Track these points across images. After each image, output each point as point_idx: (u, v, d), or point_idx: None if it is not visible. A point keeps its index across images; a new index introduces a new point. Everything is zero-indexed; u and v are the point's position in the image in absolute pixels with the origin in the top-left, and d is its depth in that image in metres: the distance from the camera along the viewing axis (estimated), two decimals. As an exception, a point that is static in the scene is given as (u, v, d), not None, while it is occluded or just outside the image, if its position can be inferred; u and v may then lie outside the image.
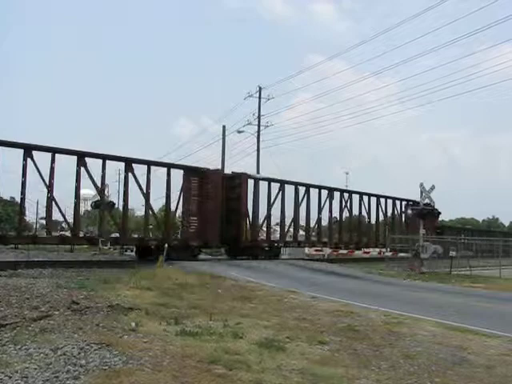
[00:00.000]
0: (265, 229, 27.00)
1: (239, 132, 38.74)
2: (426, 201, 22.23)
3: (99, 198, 21.77)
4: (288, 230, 27.62)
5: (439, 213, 22.91)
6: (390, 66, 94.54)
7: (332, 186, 30.26)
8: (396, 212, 33.50)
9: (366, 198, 31.39)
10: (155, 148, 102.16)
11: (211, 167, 26.25)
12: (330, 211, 29.10)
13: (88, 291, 9.87)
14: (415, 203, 33.14)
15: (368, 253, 29.98)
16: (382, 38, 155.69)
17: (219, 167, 33.98)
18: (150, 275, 13.25)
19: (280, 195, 26.04)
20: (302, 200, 27.37)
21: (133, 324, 6.79)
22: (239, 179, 24.18)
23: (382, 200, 32.43)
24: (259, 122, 38.31)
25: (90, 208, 27.37)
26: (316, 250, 28.32)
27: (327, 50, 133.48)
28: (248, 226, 24.78)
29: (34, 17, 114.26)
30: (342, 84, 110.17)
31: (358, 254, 30.21)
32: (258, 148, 37.67)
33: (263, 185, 25.58)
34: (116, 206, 26.08)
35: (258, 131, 38.20)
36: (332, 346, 6.31)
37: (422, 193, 22.03)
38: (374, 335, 7.12)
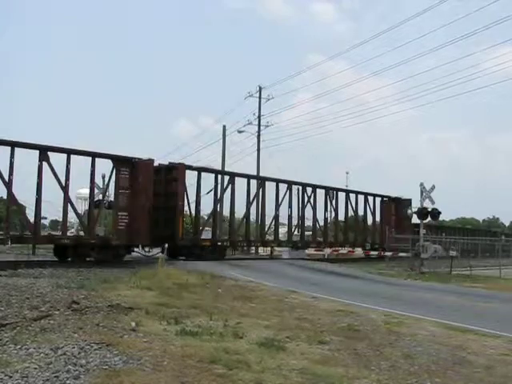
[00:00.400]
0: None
1: (239, 132, 38.75)
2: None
3: (100, 197, 21.75)
4: (239, 227, 25.49)
5: (439, 212, 22.79)
6: (391, 66, 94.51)
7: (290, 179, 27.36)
8: (369, 208, 31.29)
9: (331, 193, 28.93)
10: (155, 148, 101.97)
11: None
12: (290, 207, 26.70)
13: (88, 291, 9.88)
14: (390, 198, 31.90)
15: (368, 253, 29.87)
16: (383, 37, 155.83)
17: (220, 167, 34.12)
18: (150, 275, 13.24)
19: (230, 189, 23.77)
20: (256, 195, 25.13)
21: (133, 324, 6.79)
22: (177, 170, 21.76)
23: (352, 196, 30.19)
24: (259, 122, 38.35)
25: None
26: (316, 250, 28.32)
27: (327, 50, 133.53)
28: (192, 222, 22.95)
29: (34, 17, 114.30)
30: (342, 84, 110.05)
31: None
32: (258, 148, 37.70)
33: (210, 177, 23.30)
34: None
35: (259, 131, 38.23)
36: (332, 345, 6.30)
37: (422, 193, 22.03)
38: (374, 335, 7.12)
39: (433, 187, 22.10)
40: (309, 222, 28.86)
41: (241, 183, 24.89)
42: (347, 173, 50.17)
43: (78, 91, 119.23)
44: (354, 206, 30.21)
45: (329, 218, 29.17)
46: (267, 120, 38.80)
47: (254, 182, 25.33)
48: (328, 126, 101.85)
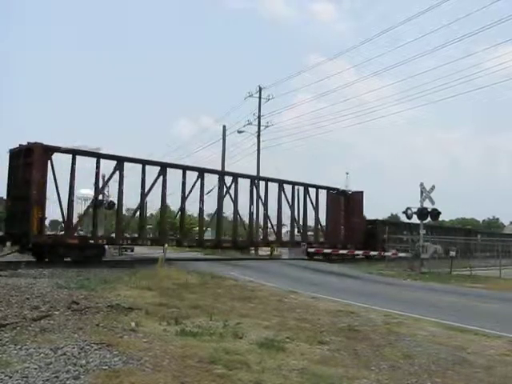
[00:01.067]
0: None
1: (239, 132, 38.76)
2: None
3: (101, 197, 21.76)
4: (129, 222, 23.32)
5: (439, 213, 22.77)
6: (391, 66, 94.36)
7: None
8: (311, 202, 27.91)
9: (270, 185, 26.06)
10: (155, 148, 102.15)
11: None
12: (202, 200, 23.42)
13: (88, 291, 9.88)
14: (339, 191, 29.35)
15: (368, 253, 29.59)
16: (383, 37, 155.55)
17: (220, 167, 34.16)
18: (150, 275, 13.26)
19: (117, 177, 20.24)
20: (154, 183, 21.72)
21: (133, 324, 6.79)
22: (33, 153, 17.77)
23: (288, 187, 26.88)
24: (259, 122, 38.36)
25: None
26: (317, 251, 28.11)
27: (327, 50, 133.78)
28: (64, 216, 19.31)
29: (34, 17, 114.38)
30: (342, 84, 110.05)
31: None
32: (258, 148, 37.70)
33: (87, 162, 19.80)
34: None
35: (259, 131, 38.24)
36: (332, 346, 6.30)
37: (422, 193, 22.02)
38: (374, 335, 7.11)
39: (433, 187, 22.09)
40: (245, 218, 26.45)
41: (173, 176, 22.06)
42: (347, 173, 50.15)
43: (78, 91, 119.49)
44: (289, 199, 26.88)
45: (255, 212, 25.89)
46: (267, 120, 38.80)
47: (153, 169, 21.86)
48: (328, 126, 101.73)
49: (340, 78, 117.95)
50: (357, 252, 27.55)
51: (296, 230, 28.08)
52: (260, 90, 38.28)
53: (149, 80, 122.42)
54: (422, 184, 22.07)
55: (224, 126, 38.66)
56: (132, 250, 31.05)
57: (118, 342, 5.68)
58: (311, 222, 28.96)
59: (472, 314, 9.88)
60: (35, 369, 4.54)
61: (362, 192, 29.85)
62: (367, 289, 14.82)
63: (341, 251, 27.67)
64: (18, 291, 9.45)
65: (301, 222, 27.98)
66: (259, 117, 38.36)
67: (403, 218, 28.75)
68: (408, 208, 22.51)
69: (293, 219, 27.38)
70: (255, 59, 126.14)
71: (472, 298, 13.00)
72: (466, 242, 32.97)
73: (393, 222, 36.64)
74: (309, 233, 29.45)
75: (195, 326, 7.00)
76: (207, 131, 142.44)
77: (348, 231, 28.92)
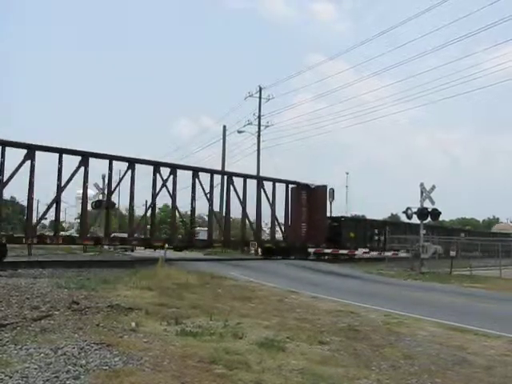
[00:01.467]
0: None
1: (239, 132, 38.79)
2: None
3: (101, 197, 21.78)
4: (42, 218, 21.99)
5: (439, 213, 22.73)
6: (391, 66, 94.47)
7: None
8: (267, 198, 25.87)
9: (223, 178, 24.65)
10: (155, 148, 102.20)
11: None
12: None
13: (88, 291, 9.89)
14: (300, 185, 27.34)
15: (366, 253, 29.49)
16: (383, 37, 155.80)
17: (220, 167, 34.20)
18: (150, 275, 13.24)
19: (27, 168, 18.33)
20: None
21: (133, 324, 6.79)
22: None
23: (239, 181, 24.85)
24: (259, 122, 38.37)
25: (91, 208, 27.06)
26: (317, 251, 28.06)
27: (327, 50, 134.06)
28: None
29: (34, 17, 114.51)
30: (342, 84, 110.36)
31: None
32: (258, 148, 37.72)
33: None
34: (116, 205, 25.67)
35: (259, 131, 38.25)
36: (332, 346, 6.30)
37: (422, 193, 22.00)
38: (374, 335, 7.11)
39: (433, 187, 22.06)
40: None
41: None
42: (347, 173, 50.11)
43: (78, 91, 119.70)
44: (241, 194, 24.69)
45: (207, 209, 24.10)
46: (267, 120, 38.83)
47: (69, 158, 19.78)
48: (328, 126, 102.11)
49: (340, 77, 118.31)
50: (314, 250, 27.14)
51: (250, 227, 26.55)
52: (260, 90, 38.33)
53: (149, 80, 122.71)
54: (422, 184, 22.05)
55: (224, 126, 38.75)
56: (132, 250, 31.18)
57: (118, 342, 5.68)
58: (268, 219, 27.29)
59: (472, 314, 9.87)
60: (35, 369, 4.54)
61: (325, 186, 28.41)
62: (367, 289, 14.81)
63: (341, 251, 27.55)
64: (18, 291, 9.46)
65: (253, 219, 26.22)
66: (259, 117, 38.39)
67: (403, 218, 28.71)
68: (408, 208, 22.48)
69: (244, 215, 25.53)
70: (255, 59, 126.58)
71: (472, 298, 13.00)
72: (447, 242, 33.07)
73: (358, 219, 36.63)
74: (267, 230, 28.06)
75: (195, 326, 7.00)
76: (207, 131, 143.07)
77: (310, 229, 27.02)
